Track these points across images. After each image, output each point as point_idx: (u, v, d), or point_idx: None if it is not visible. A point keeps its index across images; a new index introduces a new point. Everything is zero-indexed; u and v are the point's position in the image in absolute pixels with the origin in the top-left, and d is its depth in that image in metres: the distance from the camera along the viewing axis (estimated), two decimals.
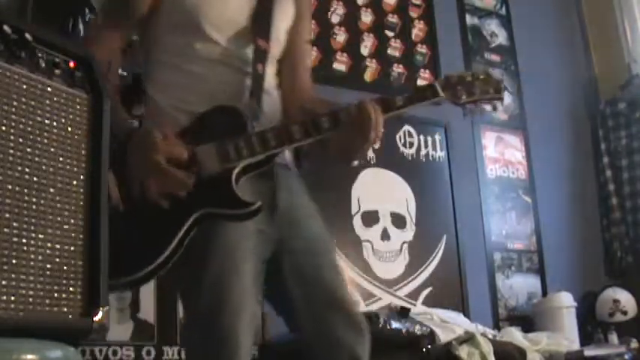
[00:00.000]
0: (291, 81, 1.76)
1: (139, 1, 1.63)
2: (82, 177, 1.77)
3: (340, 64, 3.49)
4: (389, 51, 3.69)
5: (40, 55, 1.71)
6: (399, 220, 3.44)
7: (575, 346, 3.20)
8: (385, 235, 3.38)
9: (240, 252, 1.47)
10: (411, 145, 3.58)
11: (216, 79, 1.60)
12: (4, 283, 1.49)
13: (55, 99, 1.76)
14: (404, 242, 3.42)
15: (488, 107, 1.74)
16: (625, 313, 3.73)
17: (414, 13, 3.84)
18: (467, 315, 3.32)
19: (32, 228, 1.62)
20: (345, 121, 1.52)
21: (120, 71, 2.66)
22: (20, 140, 1.66)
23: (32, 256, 1.59)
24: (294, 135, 1.52)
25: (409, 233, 3.45)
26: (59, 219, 1.70)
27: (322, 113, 1.55)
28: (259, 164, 1.52)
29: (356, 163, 1.65)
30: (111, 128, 1.48)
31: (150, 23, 1.66)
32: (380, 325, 2.61)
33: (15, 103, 1.65)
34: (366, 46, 3.62)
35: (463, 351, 2.64)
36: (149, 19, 1.65)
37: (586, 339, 3.51)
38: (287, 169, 1.67)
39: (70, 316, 1.64)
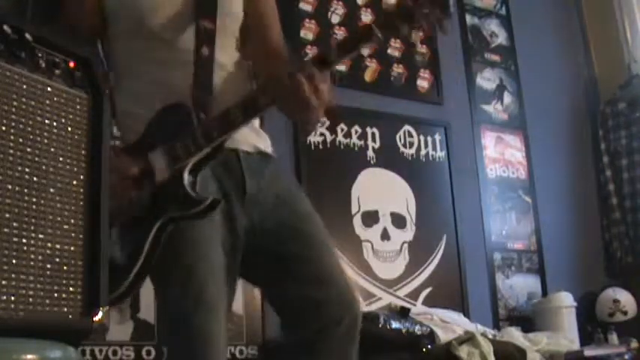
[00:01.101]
0: (261, 47, 1.71)
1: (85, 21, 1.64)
2: (82, 177, 1.77)
3: (340, 64, 3.48)
4: (389, 51, 3.69)
5: (40, 55, 1.71)
6: (399, 220, 3.44)
7: (575, 346, 3.20)
8: (385, 235, 3.38)
9: (209, 244, 1.47)
10: (411, 145, 3.58)
11: (168, 77, 1.57)
12: (4, 283, 1.49)
13: (55, 99, 1.76)
14: (404, 242, 3.42)
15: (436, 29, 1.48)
16: (625, 313, 3.73)
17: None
18: (467, 315, 3.32)
19: (32, 228, 1.62)
20: (275, 93, 1.44)
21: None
22: (20, 140, 1.66)
23: (32, 256, 1.59)
24: (234, 120, 1.46)
25: (409, 233, 3.45)
26: (59, 219, 1.70)
27: (259, 88, 1.52)
28: (210, 156, 1.49)
29: (311, 134, 1.64)
30: None
31: (105, 38, 1.67)
32: (380, 325, 2.61)
33: (15, 103, 1.65)
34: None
35: (463, 351, 2.64)
36: (102, 35, 1.66)
37: (586, 339, 3.51)
38: (263, 156, 1.65)
39: (70, 316, 1.64)
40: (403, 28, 1.48)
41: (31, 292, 1.57)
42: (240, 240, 1.55)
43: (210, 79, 1.55)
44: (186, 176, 1.46)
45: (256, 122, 1.68)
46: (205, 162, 1.49)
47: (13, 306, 1.52)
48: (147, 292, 2.67)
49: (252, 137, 1.64)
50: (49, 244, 1.66)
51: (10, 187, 1.58)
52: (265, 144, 1.69)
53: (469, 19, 4.08)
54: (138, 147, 1.50)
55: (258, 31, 1.70)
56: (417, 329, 2.75)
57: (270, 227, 1.59)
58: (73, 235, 1.72)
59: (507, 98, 4.07)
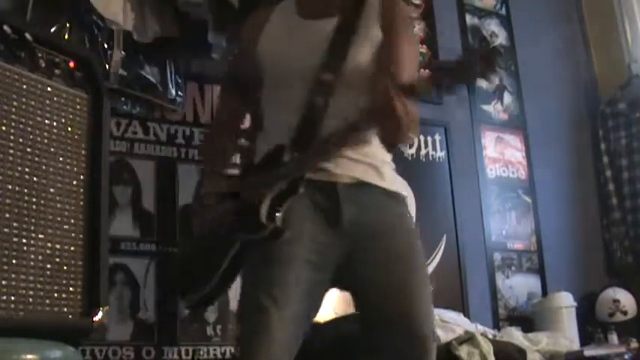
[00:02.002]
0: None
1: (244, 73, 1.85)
2: (82, 177, 1.77)
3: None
4: None
5: (40, 55, 1.71)
6: None
7: (575, 346, 3.20)
8: None
9: (287, 261, 1.61)
10: (411, 145, 3.58)
11: (289, 123, 1.70)
12: (4, 283, 1.49)
13: (55, 99, 1.76)
14: None
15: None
16: (625, 313, 3.73)
17: (414, 13, 3.84)
18: (467, 315, 3.31)
19: (32, 228, 1.62)
20: (371, 117, 1.62)
21: (120, 71, 2.67)
22: (20, 140, 1.66)
23: (32, 256, 1.59)
24: (308, 162, 1.66)
25: None
26: (59, 219, 1.70)
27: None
28: (288, 192, 1.65)
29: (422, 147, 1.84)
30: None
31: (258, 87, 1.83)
32: None
33: (15, 103, 1.65)
34: None
35: (463, 351, 2.64)
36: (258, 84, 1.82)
37: (586, 339, 3.50)
38: (367, 187, 1.73)
39: (70, 316, 1.64)
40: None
41: (31, 292, 1.57)
42: (327, 261, 1.67)
43: (316, 126, 1.68)
44: (265, 205, 1.62)
45: (373, 157, 1.78)
46: (287, 194, 1.65)
47: (13, 306, 1.52)
48: (147, 291, 2.69)
49: (352, 169, 1.72)
50: (49, 244, 1.66)
51: (10, 187, 1.58)
52: (367, 175, 1.75)
53: (469, 19, 4.08)
54: (244, 176, 1.77)
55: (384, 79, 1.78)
56: None
57: (360, 257, 1.69)
58: (73, 235, 1.72)
59: (507, 98, 4.07)
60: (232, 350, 2.79)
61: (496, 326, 3.48)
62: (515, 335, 3.11)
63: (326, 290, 1.71)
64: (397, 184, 1.83)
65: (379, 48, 1.74)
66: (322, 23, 1.76)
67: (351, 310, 1.92)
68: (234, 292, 2.81)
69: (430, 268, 3.44)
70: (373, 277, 1.68)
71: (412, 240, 1.77)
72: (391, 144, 1.79)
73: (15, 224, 1.59)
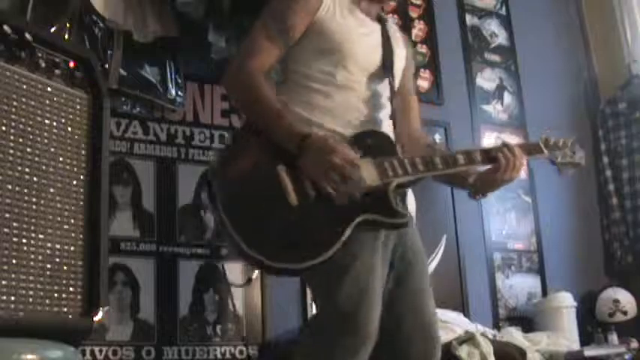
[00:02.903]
0: (402, 117, 1.94)
1: (297, 25, 1.77)
2: (82, 177, 1.77)
3: None
4: None
5: (40, 55, 1.71)
6: None
7: (575, 346, 3.20)
8: None
9: (376, 259, 1.66)
10: None
11: (354, 108, 1.78)
12: (4, 283, 1.49)
13: (55, 99, 1.76)
14: None
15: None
16: (625, 313, 3.73)
17: (414, 13, 3.84)
18: (467, 315, 3.31)
19: (32, 228, 1.62)
20: (500, 158, 1.80)
21: (120, 71, 2.67)
22: (20, 140, 1.66)
23: (32, 256, 1.59)
24: (437, 165, 1.76)
25: None
26: (59, 219, 1.71)
27: (474, 149, 1.82)
28: (409, 184, 1.76)
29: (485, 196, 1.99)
30: (279, 134, 1.65)
31: (295, 46, 1.79)
32: None
33: (15, 103, 1.65)
34: None
35: (463, 351, 2.64)
36: (295, 42, 1.79)
37: (586, 339, 3.51)
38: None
39: (70, 316, 1.64)
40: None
41: (31, 292, 1.57)
42: (389, 255, 1.78)
43: (395, 124, 1.85)
44: (391, 190, 1.67)
45: None
46: (402, 187, 1.74)
47: (13, 306, 1.52)
48: (147, 292, 2.69)
49: None
50: (49, 244, 1.66)
51: (10, 187, 1.58)
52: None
53: (469, 19, 4.08)
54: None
55: (405, 102, 1.99)
56: None
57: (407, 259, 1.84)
58: (73, 235, 1.72)
59: (507, 98, 4.07)
60: (232, 350, 2.79)
61: (496, 326, 3.48)
62: (515, 335, 3.11)
63: None
64: None
65: (404, 71, 1.95)
66: (375, 25, 1.89)
67: None
68: (232, 290, 2.84)
69: (430, 268, 3.44)
70: (408, 274, 1.81)
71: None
72: (483, 192, 1.93)
73: (15, 224, 1.59)
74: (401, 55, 1.95)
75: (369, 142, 1.72)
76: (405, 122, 1.93)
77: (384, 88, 1.85)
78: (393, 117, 1.85)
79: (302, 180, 1.60)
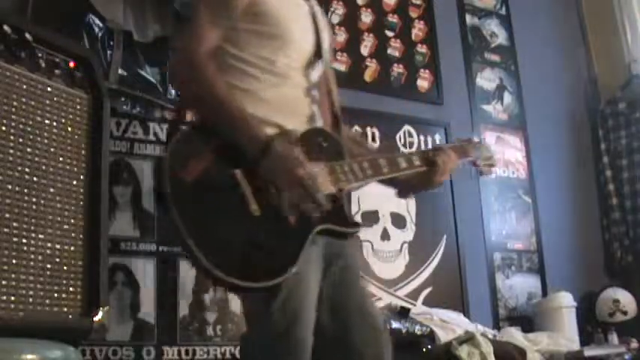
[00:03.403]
0: (327, 99, 1.83)
1: (237, 3, 1.64)
2: (82, 177, 1.77)
3: (340, 64, 3.48)
4: (389, 51, 3.68)
5: (40, 55, 1.71)
6: (399, 220, 3.43)
7: (575, 346, 3.20)
8: (385, 235, 3.38)
9: (310, 267, 1.55)
10: (411, 145, 3.58)
11: (295, 100, 1.68)
12: (4, 283, 1.49)
13: (55, 99, 1.76)
14: (404, 242, 3.42)
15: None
16: (625, 313, 3.73)
17: (414, 13, 3.84)
18: (467, 315, 3.31)
19: (32, 228, 1.62)
20: (439, 162, 1.78)
21: (120, 71, 2.67)
22: (20, 140, 1.66)
23: (32, 256, 1.59)
24: (383, 169, 1.70)
25: (409, 233, 3.45)
26: (59, 219, 1.71)
27: (412, 152, 1.80)
28: (356, 189, 1.69)
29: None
30: (239, 136, 1.53)
31: (234, 27, 1.66)
32: None
33: (15, 103, 1.65)
34: (366, 46, 3.62)
35: (463, 351, 2.64)
36: (236, 23, 1.66)
37: (586, 339, 3.51)
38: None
39: (70, 316, 1.64)
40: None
41: (31, 292, 1.57)
42: (323, 264, 1.66)
43: (338, 118, 1.77)
44: (344, 198, 1.61)
45: None
46: (351, 191, 1.68)
47: (13, 306, 1.52)
48: (147, 291, 2.69)
49: None
50: (49, 244, 1.66)
51: (10, 187, 1.58)
52: None
53: (469, 19, 4.08)
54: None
55: (328, 83, 1.85)
56: (417, 329, 2.75)
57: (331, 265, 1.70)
58: (73, 235, 1.72)
59: (507, 98, 4.07)
60: (232, 350, 2.79)
61: (496, 326, 3.48)
62: (515, 335, 3.11)
63: None
64: None
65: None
66: (305, 5, 1.79)
67: None
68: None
69: (430, 268, 3.45)
70: (346, 276, 1.70)
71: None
72: (417, 191, 1.88)
73: (15, 224, 1.59)
74: (327, 35, 1.82)
75: (320, 141, 1.63)
76: (328, 107, 1.82)
77: (316, 75, 1.74)
78: (333, 109, 1.79)
79: (262, 188, 1.49)
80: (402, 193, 1.85)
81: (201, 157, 1.52)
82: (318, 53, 1.74)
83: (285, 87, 1.66)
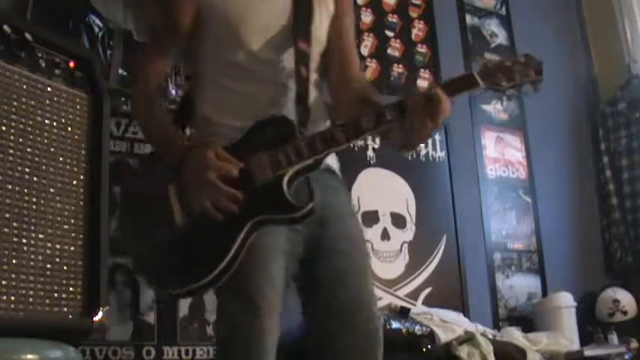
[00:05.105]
0: (342, 73, 1.78)
1: (179, 19, 1.67)
2: (82, 177, 1.77)
3: None
4: (389, 51, 3.68)
5: (40, 55, 1.71)
6: (399, 220, 3.44)
7: (575, 346, 3.20)
8: (385, 235, 3.38)
9: (269, 252, 1.54)
10: None
11: (261, 93, 1.65)
12: (4, 283, 1.49)
13: (55, 99, 1.76)
14: (404, 242, 3.42)
15: (529, 89, 1.70)
16: (625, 313, 3.73)
17: (414, 13, 3.84)
18: (467, 315, 3.31)
19: (32, 228, 1.62)
20: (414, 108, 1.54)
21: (120, 71, 2.67)
22: (20, 140, 1.66)
23: (32, 256, 1.59)
24: (339, 139, 1.57)
25: (409, 233, 3.45)
26: (59, 219, 1.71)
27: (386, 105, 1.58)
28: (309, 168, 1.58)
29: (421, 147, 1.70)
30: (168, 149, 1.57)
31: (193, 39, 1.70)
32: None
33: (15, 103, 1.65)
34: (366, 46, 3.62)
35: (463, 351, 2.64)
36: (192, 35, 1.69)
37: (586, 339, 3.50)
38: (327, 172, 1.72)
39: (70, 316, 1.64)
40: (502, 82, 1.64)
41: (31, 292, 1.57)
42: (298, 249, 1.63)
43: (307, 97, 1.66)
44: (285, 183, 1.54)
45: None
46: (303, 172, 1.57)
47: (13, 306, 1.52)
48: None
49: None
50: (49, 244, 1.66)
51: (10, 187, 1.58)
52: (331, 161, 1.75)
53: (469, 19, 4.08)
54: (235, 150, 1.56)
55: (340, 58, 1.80)
56: (417, 329, 2.75)
57: (327, 246, 1.66)
58: (73, 235, 1.72)
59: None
60: None
61: (496, 326, 3.48)
62: (515, 335, 3.11)
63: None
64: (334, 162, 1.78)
65: (333, 20, 1.77)
66: None
67: None
68: None
69: (430, 268, 3.45)
70: (335, 263, 1.66)
71: (358, 221, 1.79)
72: (411, 146, 1.67)
73: (15, 224, 1.59)
74: (326, 8, 1.76)
75: (268, 130, 1.58)
76: (342, 76, 1.78)
77: (290, 58, 1.67)
78: (327, 80, 1.74)
79: (186, 198, 1.53)
80: (401, 148, 1.68)
81: (150, 176, 1.63)
82: (298, 36, 1.67)
83: (248, 82, 1.65)
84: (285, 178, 1.54)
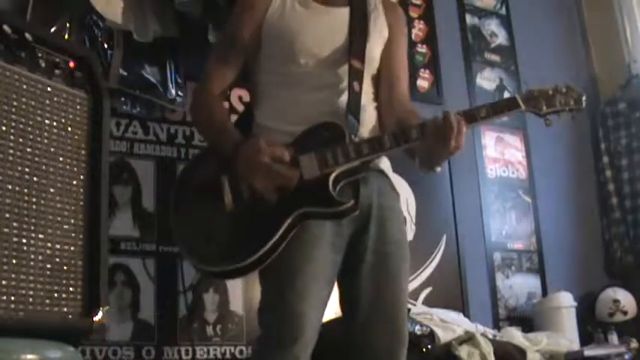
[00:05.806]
0: (388, 95, 1.91)
1: (243, 35, 1.84)
2: (82, 177, 1.77)
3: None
4: None
5: (40, 55, 1.71)
6: None
7: (575, 346, 3.20)
8: None
9: (315, 244, 1.68)
10: None
11: (314, 102, 1.78)
12: (4, 283, 1.49)
13: (55, 99, 1.76)
14: None
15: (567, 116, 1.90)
16: (625, 313, 3.73)
17: (414, 13, 3.84)
18: (467, 315, 3.31)
19: (32, 228, 1.62)
20: (431, 130, 1.68)
21: (120, 71, 2.67)
22: (20, 140, 1.66)
23: (32, 256, 1.59)
24: (385, 144, 1.70)
25: (409, 233, 3.44)
26: (59, 219, 1.71)
27: (413, 124, 1.72)
28: (355, 170, 1.71)
29: (438, 169, 1.80)
30: (224, 142, 1.73)
31: (254, 54, 1.87)
32: None
33: (15, 103, 1.65)
34: None
35: (463, 351, 2.64)
36: (253, 51, 1.86)
37: (586, 339, 3.51)
38: (381, 175, 1.87)
39: (70, 316, 1.64)
40: (543, 107, 1.86)
41: (31, 292, 1.57)
42: (344, 242, 1.75)
43: (358, 109, 1.79)
44: (331, 180, 1.66)
45: None
46: (350, 174, 1.71)
47: (13, 306, 1.52)
48: (147, 292, 2.69)
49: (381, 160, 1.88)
50: (49, 244, 1.66)
51: (10, 187, 1.59)
52: (384, 165, 1.90)
53: (469, 19, 4.08)
54: (290, 148, 1.69)
55: (388, 79, 1.93)
56: (417, 329, 2.75)
57: (377, 249, 1.79)
58: (73, 235, 1.73)
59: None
60: (232, 350, 2.80)
61: (496, 326, 3.48)
62: (515, 335, 3.11)
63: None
64: (395, 181, 1.92)
65: (387, 44, 1.92)
66: (338, 11, 1.87)
67: None
68: (232, 290, 2.84)
69: (430, 268, 3.45)
70: (377, 263, 1.77)
71: (404, 228, 1.91)
72: (428, 166, 1.80)
73: (15, 224, 1.59)
74: (380, 31, 1.92)
75: (319, 134, 1.72)
76: (388, 96, 1.91)
77: (344, 73, 1.81)
78: (377, 101, 1.88)
79: (238, 186, 1.67)
80: (423, 165, 1.81)
81: (201, 171, 1.80)
82: (353, 53, 1.81)
83: (296, 92, 1.79)
84: (332, 177, 1.67)
